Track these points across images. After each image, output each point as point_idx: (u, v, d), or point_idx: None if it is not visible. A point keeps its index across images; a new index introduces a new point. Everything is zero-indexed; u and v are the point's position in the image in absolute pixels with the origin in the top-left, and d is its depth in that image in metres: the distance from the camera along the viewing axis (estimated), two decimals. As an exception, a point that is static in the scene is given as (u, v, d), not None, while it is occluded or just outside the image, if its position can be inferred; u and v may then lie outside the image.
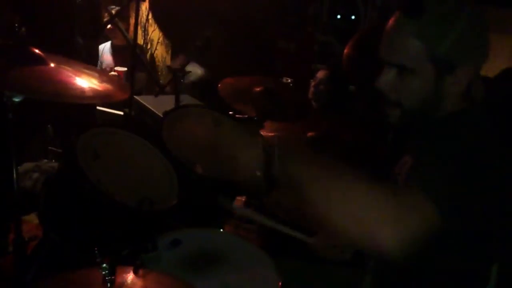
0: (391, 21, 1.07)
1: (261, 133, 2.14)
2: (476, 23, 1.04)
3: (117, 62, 3.94)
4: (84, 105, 2.46)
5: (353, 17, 3.74)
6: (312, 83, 2.75)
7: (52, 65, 1.61)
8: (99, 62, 4.04)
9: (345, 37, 2.44)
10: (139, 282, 1.19)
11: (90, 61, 3.07)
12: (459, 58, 1.03)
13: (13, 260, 1.66)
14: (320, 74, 2.76)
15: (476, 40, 1.05)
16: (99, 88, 1.64)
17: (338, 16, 3.88)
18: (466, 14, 1.02)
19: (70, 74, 1.61)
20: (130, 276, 1.19)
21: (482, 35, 1.06)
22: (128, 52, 3.59)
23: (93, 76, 1.68)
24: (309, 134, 2.23)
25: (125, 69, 3.58)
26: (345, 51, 2.24)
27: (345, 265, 1.56)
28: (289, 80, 2.72)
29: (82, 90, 1.58)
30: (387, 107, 1.12)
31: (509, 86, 2.14)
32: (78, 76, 1.63)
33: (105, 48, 4.07)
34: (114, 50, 4.02)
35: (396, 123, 1.13)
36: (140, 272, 1.20)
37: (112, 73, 3.79)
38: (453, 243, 1.00)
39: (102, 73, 1.89)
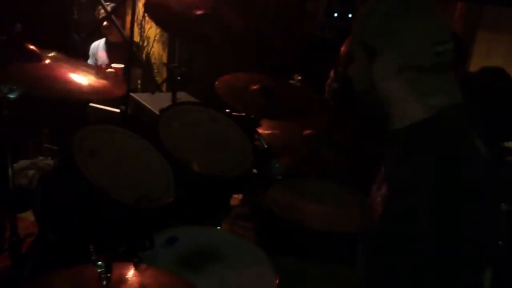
0: None
1: (258, 131, 2.15)
2: (405, 9, 1.05)
3: (113, 59, 3.92)
4: (78, 102, 2.45)
5: (350, 15, 3.75)
6: (327, 82, 2.74)
7: (47, 61, 1.60)
8: (94, 59, 4.02)
9: (342, 35, 2.44)
10: (136, 278, 1.19)
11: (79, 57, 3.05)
12: (379, 44, 1.06)
13: (9, 257, 1.66)
14: (333, 73, 2.75)
15: (401, 27, 1.04)
16: (95, 84, 1.63)
17: (335, 15, 3.88)
18: (385, 5, 1.07)
19: (65, 70, 1.61)
20: (127, 272, 1.19)
21: (412, 22, 1.05)
22: (123, 49, 3.58)
23: (88, 73, 1.68)
24: (306, 132, 2.23)
25: (122, 66, 3.57)
26: (342, 49, 2.24)
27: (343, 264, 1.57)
28: (299, 78, 2.70)
29: (77, 86, 1.57)
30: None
31: (486, 84, 2.14)
32: (74, 72, 1.62)
33: (99, 45, 4.04)
34: (110, 47, 4.00)
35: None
36: (138, 267, 1.20)
37: (109, 70, 3.77)
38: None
39: (97, 70, 1.88)
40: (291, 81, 2.67)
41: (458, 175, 1.01)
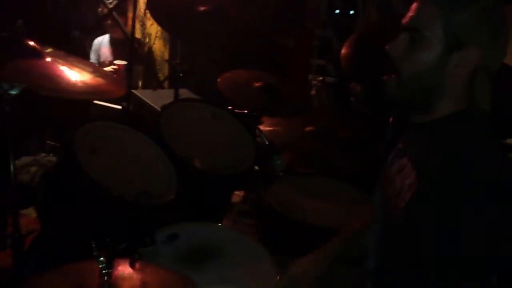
0: None
1: (260, 127, 2.14)
2: (493, 13, 1.04)
3: (116, 56, 3.92)
4: (80, 99, 2.45)
5: (351, 12, 3.74)
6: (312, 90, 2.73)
7: (48, 59, 1.60)
8: (96, 55, 4.02)
9: (344, 32, 2.43)
10: (136, 275, 1.19)
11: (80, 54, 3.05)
12: (468, 37, 1.03)
13: (11, 254, 1.66)
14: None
15: (490, 27, 1.04)
16: (95, 83, 1.63)
17: (337, 11, 3.87)
18: (485, 0, 1.04)
19: (66, 68, 1.61)
20: (127, 269, 1.19)
21: (497, 27, 1.05)
22: (126, 46, 3.58)
23: (88, 71, 1.68)
24: (308, 129, 2.23)
25: (125, 62, 3.57)
26: (343, 50, 2.23)
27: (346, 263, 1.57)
28: (320, 78, 2.69)
29: (78, 84, 1.57)
30: (388, 76, 1.11)
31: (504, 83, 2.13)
32: (74, 70, 1.62)
33: (103, 41, 4.04)
34: (114, 43, 4.00)
35: (392, 93, 1.11)
36: (138, 265, 1.20)
37: (112, 66, 3.77)
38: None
39: (97, 68, 1.88)
40: (313, 82, 2.67)
41: (495, 170, 1.00)
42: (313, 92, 2.68)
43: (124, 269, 1.19)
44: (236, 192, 2.38)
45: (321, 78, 2.63)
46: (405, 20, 1.10)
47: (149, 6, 2.41)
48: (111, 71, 3.68)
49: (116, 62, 3.76)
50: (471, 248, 0.97)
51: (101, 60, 4.00)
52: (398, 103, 1.14)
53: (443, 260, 0.98)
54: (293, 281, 1.36)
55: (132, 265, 1.20)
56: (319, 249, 1.39)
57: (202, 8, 2.26)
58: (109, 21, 3.96)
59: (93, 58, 4.01)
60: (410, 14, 1.09)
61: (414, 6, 1.09)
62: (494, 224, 0.97)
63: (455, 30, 1.03)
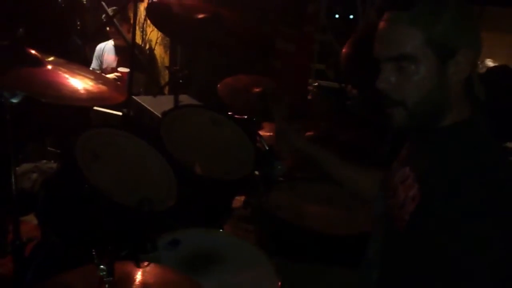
0: (382, 21, 1.06)
1: (260, 133, 2.15)
2: (464, 10, 1.04)
3: (120, 63, 3.93)
4: (82, 106, 2.46)
5: (351, 16, 3.75)
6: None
7: (49, 66, 1.61)
8: (99, 61, 4.03)
9: (343, 36, 2.43)
10: (139, 277, 1.20)
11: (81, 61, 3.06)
12: (457, 41, 1.01)
13: (12, 261, 1.66)
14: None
15: (468, 22, 1.03)
16: (97, 89, 1.64)
17: (337, 16, 3.88)
18: (453, 1, 1.03)
19: (67, 76, 1.61)
20: (130, 271, 1.20)
21: (472, 21, 1.05)
22: (128, 53, 3.58)
23: (89, 78, 1.68)
24: (308, 133, 2.23)
25: (128, 70, 3.58)
26: (343, 50, 2.24)
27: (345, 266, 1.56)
28: (316, 84, 2.69)
29: (78, 92, 1.58)
30: (391, 108, 1.07)
31: (493, 82, 2.13)
32: (75, 77, 1.63)
33: (106, 47, 4.04)
34: (117, 50, 4.01)
35: (402, 124, 1.07)
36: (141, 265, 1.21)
37: (115, 73, 3.78)
38: None
39: (98, 76, 1.89)
40: (308, 87, 2.66)
41: (502, 176, 0.99)
42: (309, 97, 2.68)
43: (127, 269, 1.20)
44: (237, 198, 2.38)
45: (316, 83, 2.63)
46: (381, 51, 1.06)
47: (149, 13, 2.42)
48: (114, 78, 3.69)
49: (119, 69, 3.77)
50: (481, 259, 0.93)
51: (104, 66, 4.01)
52: (409, 129, 1.12)
53: (452, 272, 0.95)
54: None
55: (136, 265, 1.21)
56: None
57: (202, 15, 2.27)
58: (112, 28, 3.97)
59: (95, 64, 4.01)
60: (385, 43, 1.05)
61: (384, 34, 1.05)
62: (504, 233, 0.94)
63: (440, 40, 1.00)
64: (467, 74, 1.04)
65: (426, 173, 1.05)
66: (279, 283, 1.39)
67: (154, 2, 2.27)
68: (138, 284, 1.18)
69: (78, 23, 3.47)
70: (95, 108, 2.87)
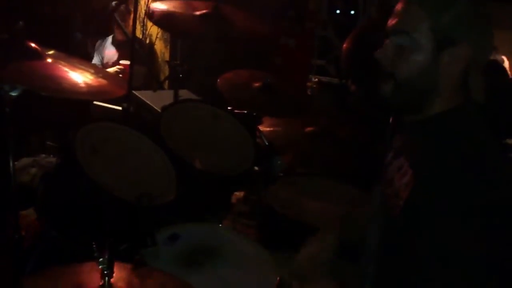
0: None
1: (260, 128, 2.15)
2: (476, 8, 1.05)
3: (121, 57, 3.93)
4: (81, 100, 2.45)
5: (352, 12, 3.74)
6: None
7: (49, 60, 1.61)
8: (100, 56, 4.02)
9: (344, 32, 2.43)
10: (136, 279, 1.19)
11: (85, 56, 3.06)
12: (458, 34, 1.03)
13: (11, 255, 1.66)
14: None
15: (477, 21, 1.05)
16: (97, 83, 1.63)
17: (338, 11, 3.87)
18: None
19: (67, 69, 1.61)
20: (127, 273, 1.20)
21: (483, 20, 1.06)
22: (129, 47, 3.57)
23: (89, 72, 1.68)
24: (308, 129, 2.23)
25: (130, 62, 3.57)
26: (344, 45, 2.23)
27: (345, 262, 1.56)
28: (316, 80, 2.69)
29: (78, 86, 1.58)
30: (382, 81, 1.11)
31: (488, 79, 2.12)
32: (75, 71, 1.62)
33: (107, 42, 4.04)
34: (117, 45, 4.00)
35: (388, 95, 1.11)
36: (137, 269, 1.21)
37: (118, 66, 3.78)
38: None
39: (99, 69, 1.89)
40: (308, 83, 2.66)
41: (489, 168, 1.01)
42: (309, 92, 2.68)
43: (123, 272, 1.20)
44: (236, 193, 2.38)
45: (316, 79, 2.63)
46: (390, 24, 1.10)
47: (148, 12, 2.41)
48: (116, 71, 3.69)
49: (121, 62, 3.76)
50: (469, 248, 0.96)
51: (105, 61, 4.00)
52: (394, 107, 1.15)
53: (440, 260, 0.97)
54: (300, 266, 1.36)
55: (135, 266, 1.21)
56: (324, 234, 1.40)
57: (202, 11, 2.26)
58: (112, 23, 3.96)
59: (96, 59, 4.01)
60: (395, 18, 1.09)
61: (398, 9, 1.09)
62: (492, 222, 0.96)
63: (443, 29, 1.03)
64: (462, 69, 1.06)
65: (419, 160, 1.07)
66: (278, 278, 1.39)
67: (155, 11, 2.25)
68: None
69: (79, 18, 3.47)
70: (95, 102, 2.86)
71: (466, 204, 0.97)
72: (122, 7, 3.82)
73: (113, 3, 3.88)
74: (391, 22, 1.10)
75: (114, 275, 1.12)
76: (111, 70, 3.74)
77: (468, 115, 1.08)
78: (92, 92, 1.65)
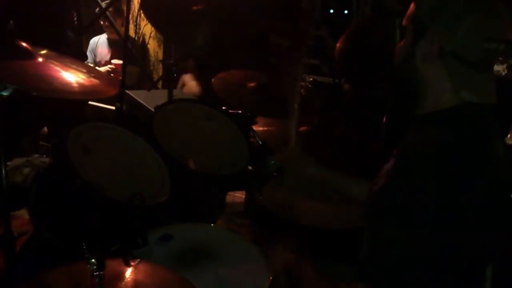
0: None
1: (253, 128, 2.14)
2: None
3: (113, 57, 3.92)
4: (75, 100, 2.44)
5: (346, 11, 3.74)
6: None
7: (40, 59, 1.59)
8: (93, 55, 4.01)
9: (338, 31, 2.43)
10: (131, 275, 1.19)
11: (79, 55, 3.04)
12: (430, 22, 1.05)
13: (3, 255, 1.65)
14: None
15: (450, 10, 1.03)
16: (89, 83, 1.62)
17: (331, 11, 3.87)
18: None
19: (59, 69, 1.60)
20: (122, 269, 1.19)
21: (460, 9, 1.04)
22: (121, 46, 3.56)
23: (81, 72, 1.67)
24: (302, 129, 2.23)
25: (122, 62, 3.56)
26: (337, 45, 2.24)
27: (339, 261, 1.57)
28: (311, 79, 2.69)
29: (70, 85, 1.56)
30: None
31: None
32: (67, 71, 1.61)
33: (99, 41, 4.03)
34: (110, 44, 4.00)
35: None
36: (132, 264, 1.20)
37: (109, 66, 3.76)
38: None
39: (91, 69, 1.87)
40: (302, 83, 2.65)
41: (463, 165, 1.03)
42: (302, 92, 2.68)
43: (118, 269, 1.19)
44: (230, 193, 2.37)
45: (310, 78, 2.63)
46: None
47: (143, 6, 2.40)
48: (108, 70, 3.68)
49: (113, 61, 3.75)
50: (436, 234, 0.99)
51: (98, 60, 3.99)
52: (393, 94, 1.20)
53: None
54: None
55: (125, 263, 1.20)
56: None
57: (196, 8, 2.25)
58: (105, 22, 3.95)
59: (89, 58, 4.00)
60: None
61: None
62: (462, 210, 1.00)
63: (420, 18, 1.06)
64: (435, 57, 1.05)
65: (403, 149, 1.10)
66: (271, 278, 1.39)
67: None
68: (128, 282, 1.17)
69: (75, 17, 3.44)
70: (89, 102, 2.85)
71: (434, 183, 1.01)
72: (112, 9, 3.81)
73: (105, 2, 3.86)
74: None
75: (109, 271, 1.11)
76: (102, 69, 3.73)
77: (461, 115, 1.07)
78: (84, 92, 1.64)
